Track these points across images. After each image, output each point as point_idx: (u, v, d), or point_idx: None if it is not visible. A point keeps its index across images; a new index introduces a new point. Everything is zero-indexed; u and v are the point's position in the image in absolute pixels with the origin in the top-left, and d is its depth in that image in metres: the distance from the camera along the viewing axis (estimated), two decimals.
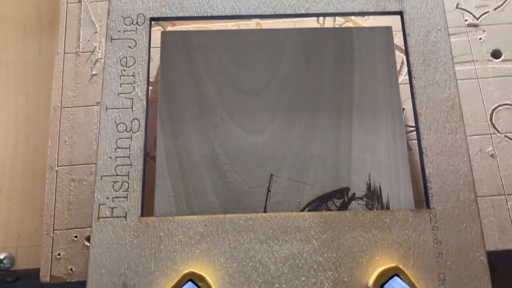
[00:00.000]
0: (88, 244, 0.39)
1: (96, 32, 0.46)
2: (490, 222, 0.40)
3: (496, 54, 0.46)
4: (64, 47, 0.45)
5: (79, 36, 0.45)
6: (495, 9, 0.48)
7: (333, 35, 0.43)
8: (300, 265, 0.34)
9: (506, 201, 0.41)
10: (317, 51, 0.42)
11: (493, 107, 0.44)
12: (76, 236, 0.40)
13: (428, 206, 0.36)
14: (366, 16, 0.48)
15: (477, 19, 0.47)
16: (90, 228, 0.39)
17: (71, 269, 0.39)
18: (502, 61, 0.46)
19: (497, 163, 0.42)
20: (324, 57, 0.42)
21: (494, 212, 0.41)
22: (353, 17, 0.47)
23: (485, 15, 0.48)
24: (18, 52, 0.47)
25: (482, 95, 0.45)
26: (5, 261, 0.40)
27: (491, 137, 0.43)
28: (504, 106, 0.44)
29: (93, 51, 0.45)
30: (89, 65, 0.45)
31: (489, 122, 0.44)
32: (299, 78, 0.42)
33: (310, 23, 0.47)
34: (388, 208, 0.37)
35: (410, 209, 0.36)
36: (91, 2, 0.47)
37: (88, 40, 0.45)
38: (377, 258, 0.34)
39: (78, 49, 0.45)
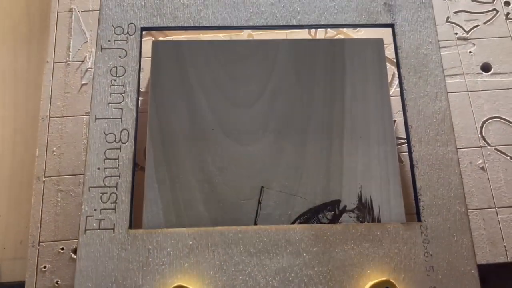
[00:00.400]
0: (75, 257, 0.38)
1: (87, 41, 0.45)
2: (481, 235, 0.40)
3: (486, 67, 0.47)
4: (54, 56, 0.44)
5: (70, 45, 0.45)
6: (485, 23, 0.48)
7: (324, 47, 0.43)
8: (291, 278, 0.34)
9: (497, 214, 0.41)
10: (309, 62, 0.42)
11: (483, 120, 0.45)
12: (62, 248, 0.39)
13: (419, 219, 0.36)
14: (358, 29, 0.48)
15: (467, 32, 0.48)
16: (76, 240, 0.38)
17: (57, 282, 0.38)
18: (492, 74, 0.46)
19: (488, 175, 0.42)
20: (315, 68, 0.42)
21: (485, 225, 0.40)
22: (344, 29, 0.47)
23: (475, 28, 0.48)
24: (7, 60, 0.47)
25: (472, 108, 0.45)
26: None
27: (482, 149, 0.43)
28: (494, 119, 0.45)
29: (83, 61, 0.45)
30: (79, 75, 0.44)
31: (479, 135, 0.44)
32: (290, 90, 0.42)
33: (302, 34, 0.47)
34: (379, 221, 0.37)
35: (401, 222, 0.36)
36: (82, 11, 0.46)
37: (79, 49, 0.45)
38: (368, 271, 0.34)
39: (68, 59, 0.45)
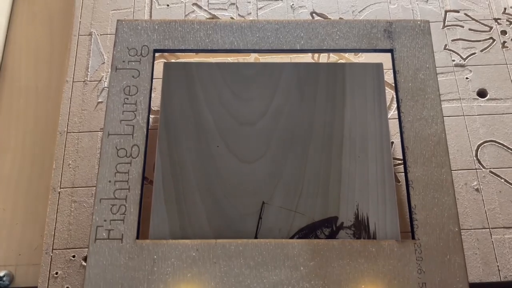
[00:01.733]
0: (85, 264, 0.40)
1: (104, 62, 0.48)
2: (475, 255, 0.41)
3: (481, 93, 0.48)
4: (73, 76, 0.47)
5: (88, 66, 0.48)
6: (482, 50, 0.50)
7: (326, 70, 0.45)
8: None
9: (491, 234, 0.42)
10: (311, 85, 0.44)
11: (479, 143, 0.46)
12: (74, 256, 0.41)
13: (413, 237, 0.37)
14: (359, 53, 0.50)
15: (464, 59, 0.50)
16: (87, 249, 0.40)
17: None
18: (488, 100, 0.48)
19: (482, 197, 0.43)
20: (317, 91, 0.44)
21: (479, 244, 0.42)
22: (346, 54, 0.50)
23: (472, 56, 0.50)
24: (30, 79, 0.50)
25: (468, 132, 0.46)
26: (4, 279, 0.42)
27: (476, 172, 0.45)
28: (489, 143, 0.46)
29: (100, 80, 0.48)
30: (95, 93, 0.47)
31: (474, 158, 0.45)
32: (292, 110, 0.44)
33: (306, 58, 0.49)
34: (374, 238, 0.39)
35: (396, 239, 0.37)
36: (100, 35, 0.50)
37: (96, 70, 0.48)
38: (363, 286, 0.35)
39: (86, 78, 0.48)
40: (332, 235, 0.39)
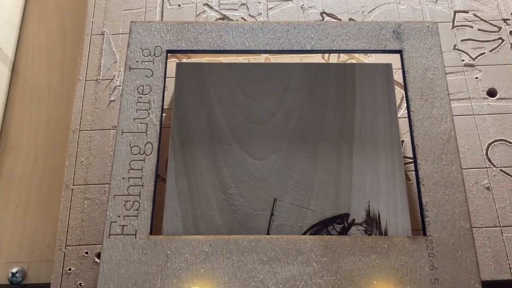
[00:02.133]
0: (98, 260, 0.41)
1: (116, 61, 0.49)
2: (486, 253, 0.41)
3: (491, 93, 0.49)
4: (86, 74, 0.48)
5: (100, 65, 0.49)
6: (491, 50, 0.51)
7: (336, 70, 0.46)
8: (301, 286, 0.36)
9: (502, 232, 0.42)
10: (321, 84, 0.45)
11: (489, 142, 0.46)
12: (86, 252, 0.41)
13: (424, 234, 0.37)
14: (369, 54, 0.51)
15: (474, 59, 0.50)
16: (100, 245, 0.41)
17: (80, 284, 0.40)
18: (497, 99, 0.48)
19: (493, 195, 0.44)
20: (327, 90, 0.45)
21: (490, 243, 0.42)
22: (356, 54, 0.50)
23: (481, 56, 0.50)
24: (43, 78, 0.51)
25: (478, 131, 0.47)
26: (17, 275, 0.42)
27: (487, 170, 0.45)
28: (499, 142, 0.46)
29: (112, 79, 0.48)
30: (108, 92, 0.48)
31: (485, 156, 0.46)
32: (303, 109, 0.44)
33: (316, 59, 0.50)
34: (386, 234, 0.39)
35: (407, 236, 0.38)
36: (113, 34, 0.50)
37: (108, 68, 0.49)
38: (375, 282, 0.36)
39: (98, 77, 0.48)
40: (344, 232, 0.39)
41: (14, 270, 0.42)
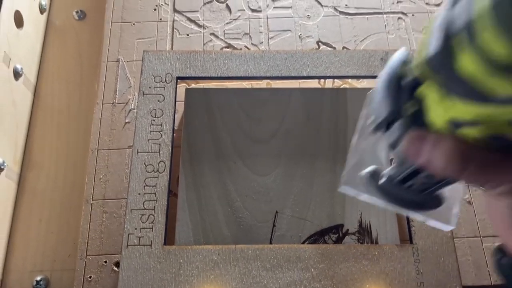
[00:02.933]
0: (116, 269, 0.45)
1: (130, 86, 0.54)
2: (468, 261, 0.45)
3: None
4: (103, 98, 0.53)
5: (116, 89, 0.53)
6: None
7: (330, 94, 0.50)
8: None
9: (482, 242, 0.46)
10: (317, 107, 0.50)
11: None
12: (105, 262, 0.45)
13: (411, 242, 0.41)
14: (360, 79, 0.55)
15: None
16: (118, 255, 0.45)
17: None
18: None
19: (473, 208, 0.48)
20: (322, 112, 0.49)
21: (471, 252, 0.46)
22: (349, 80, 0.55)
23: None
24: (63, 101, 0.55)
25: None
26: (41, 283, 0.46)
27: (468, 186, 0.49)
28: None
29: (127, 103, 0.53)
30: (123, 114, 0.52)
31: None
32: (301, 129, 0.49)
33: (313, 83, 0.55)
34: (377, 243, 0.43)
35: (396, 244, 0.42)
36: (127, 61, 0.55)
37: (124, 93, 0.53)
38: (367, 286, 0.40)
39: (114, 100, 0.53)
40: (339, 241, 0.44)
41: (38, 278, 0.46)
